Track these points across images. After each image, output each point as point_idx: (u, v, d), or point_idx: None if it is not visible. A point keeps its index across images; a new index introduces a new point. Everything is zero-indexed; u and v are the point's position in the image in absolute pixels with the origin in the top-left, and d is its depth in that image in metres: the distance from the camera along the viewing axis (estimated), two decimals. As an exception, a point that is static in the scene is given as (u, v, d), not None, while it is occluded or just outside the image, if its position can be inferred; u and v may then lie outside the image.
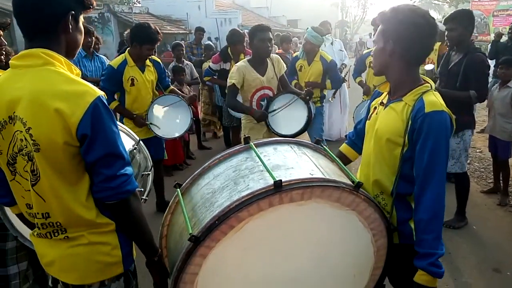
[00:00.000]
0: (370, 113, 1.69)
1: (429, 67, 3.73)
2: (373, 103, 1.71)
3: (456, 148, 3.37)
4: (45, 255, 1.36)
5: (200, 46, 7.63)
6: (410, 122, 1.44)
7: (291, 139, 1.60)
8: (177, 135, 3.81)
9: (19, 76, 1.23)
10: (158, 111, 3.67)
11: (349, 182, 1.34)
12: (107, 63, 4.30)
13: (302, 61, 4.55)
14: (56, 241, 1.31)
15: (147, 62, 3.58)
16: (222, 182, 1.36)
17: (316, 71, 4.49)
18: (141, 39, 3.38)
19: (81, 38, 1.34)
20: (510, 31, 7.40)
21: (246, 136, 1.50)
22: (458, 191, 3.55)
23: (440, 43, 5.39)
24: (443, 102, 1.46)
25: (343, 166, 1.51)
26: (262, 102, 3.37)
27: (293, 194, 1.21)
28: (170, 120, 3.72)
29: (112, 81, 3.44)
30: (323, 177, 1.29)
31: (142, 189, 2.34)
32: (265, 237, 1.27)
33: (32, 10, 1.21)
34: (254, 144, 1.47)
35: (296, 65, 4.61)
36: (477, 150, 5.87)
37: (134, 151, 2.33)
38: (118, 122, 2.44)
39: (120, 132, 2.34)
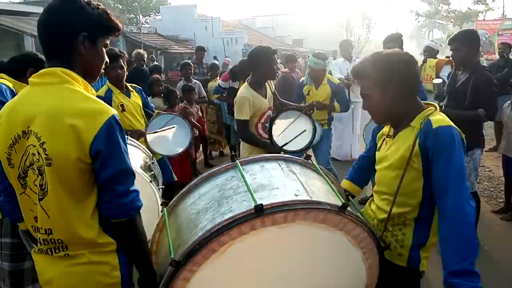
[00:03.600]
0: (379, 145, 1.72)
1: (437, 81, 3.68)
2: (379, 134, 1.74)
3: (466, 167, 3.32)
4: (44, 273, 1.35)
5: (201, 65, 7.71)
6: (417, 142, 1.46)
7: (280, 155, 1.58)
8: (181, 150, 3.73)
9: (37, 93, 1.26)
10: (156, 133, 3.60)
11: (335, 202, 1.30)
12: None
13: (309, 86, 4.54)
14: (56, 258, 1.30)
15: (130, 88, 3.54)
16: (207, 202, 1.34)
17: (324, 94, 4.44)
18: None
19: (100, 60, 1.36)
20: (500, 49, 7.33)
21: (233, 153, 1.48)
22: (468, 211, 3.48)
23: (437, 60, 5.44)
24: (450, 120, 1.48)
25: (331, 184, 1.49)
26: (266, 124, 3.25)
27: (275, 217, 1.18)
28: (170, 137, 3.70)
29: None
30: (308, 198, 1.26)
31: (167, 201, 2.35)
32: (249, 260, 1.24)
33: (48, 32, 1.28)
34: (241, 161, 1.46)
35: (303, 89, 4.60)
36: (486, 169, 5.78)
37: (152, 164, 2.36)
38: (132, 139, 2.47)
39: (135, 148, 2.38)
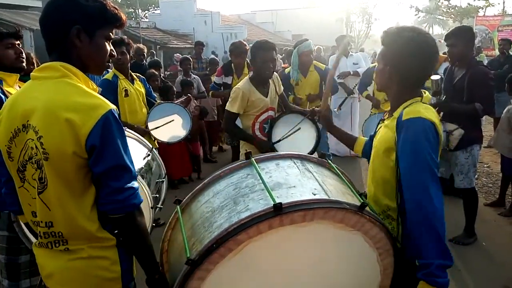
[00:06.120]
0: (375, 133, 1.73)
1: (435, 77, 3.67)
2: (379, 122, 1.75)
3: (464, 163, 3.34)
4: (45, 267, 1.35)
5: (200, 60, 7.70)
6: (396, 133, 1.47)
7: (295, 153, 1.55)
8: (181, 137, 3.85)
9: (37, 87, 1.27)
10: (157, 121, 3.74)
11: (354, 202, 1.29)
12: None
13: (298, 75, 4.52)
14: (56, 252, 1.31)
15: (134, 76, 3.73)
16: (222, 200, 1.33)
17: (313, 81, 4.50)
18: None
19: (100, 53, 1.33)
20: (500, 46, 7.28)
21: (248, 151, 1.46)
22: (466, 207, 3.50)
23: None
24: (424, 111, 1.44)
25: (347, 182, 1.48)
26: (265, 125, 3.06)
27: (294, 216, 1.17)
28: (171, 126, 3.78)
29: (109, 93, 3.39)
30: (326, 198, 1.25)
31: (158, 195, 2.34)
32: (265, 258, 1.24)
33: (44, 28, 1.29)
34: (255, 159, 1.44)
35: (291, 81, 4.55)
36: (485, 165, 5.80)
37: (149, 158, 2.34)
38: (130, 130, 2.48)
39: (133, 140, 2.37)
